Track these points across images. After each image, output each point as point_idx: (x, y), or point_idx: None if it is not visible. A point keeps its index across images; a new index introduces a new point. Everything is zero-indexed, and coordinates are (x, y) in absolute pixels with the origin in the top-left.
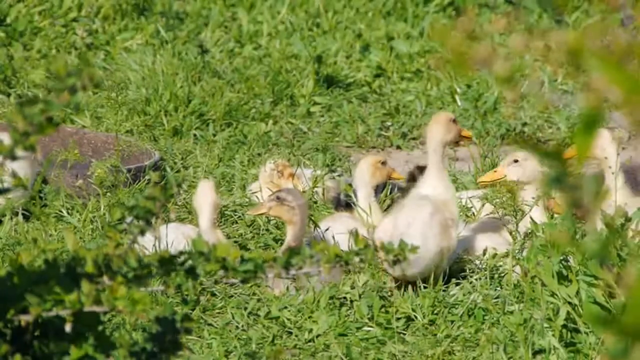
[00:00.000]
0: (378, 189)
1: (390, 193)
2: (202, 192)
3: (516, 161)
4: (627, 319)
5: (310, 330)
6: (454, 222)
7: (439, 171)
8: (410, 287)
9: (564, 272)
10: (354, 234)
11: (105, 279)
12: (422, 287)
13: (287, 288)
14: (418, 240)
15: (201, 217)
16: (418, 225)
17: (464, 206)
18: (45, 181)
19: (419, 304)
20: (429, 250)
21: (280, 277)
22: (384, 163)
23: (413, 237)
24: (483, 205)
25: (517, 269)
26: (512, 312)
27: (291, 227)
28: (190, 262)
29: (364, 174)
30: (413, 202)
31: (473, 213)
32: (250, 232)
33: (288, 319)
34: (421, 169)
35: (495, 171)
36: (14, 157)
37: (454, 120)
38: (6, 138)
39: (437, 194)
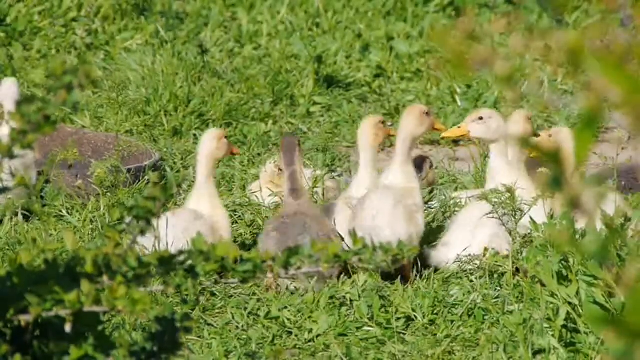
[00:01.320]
0: None
1: None
2: (202, 143)
3: (481, 118)
4: (627, 319)
5: (310, 330)
6: (419, 207)
7: (405, 161)
8: (410, 286)
9: (564, 272)
10: (353, 234)
11: (105, 278)
12: (421, 286)
13: (287, 287)
14: (386, 231)
15: (198, 168)
16: (384, 217)
17: (463, 206)
18: (45, 181)
19: (419, 304)
20: (398, 239)
21: (280, 277)
22: (383, 122)
23: (381, 229)
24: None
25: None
26: (512, 312)
27: None
28: (190, 261)
29: (366, 137)
30: (375, 195)
31: None
32: (250, 232)
33: (288, 319)
34: (423, 159)
35: (459, 127)
36: (12, 156)
37: (427, 113)
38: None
39: (399, 182)
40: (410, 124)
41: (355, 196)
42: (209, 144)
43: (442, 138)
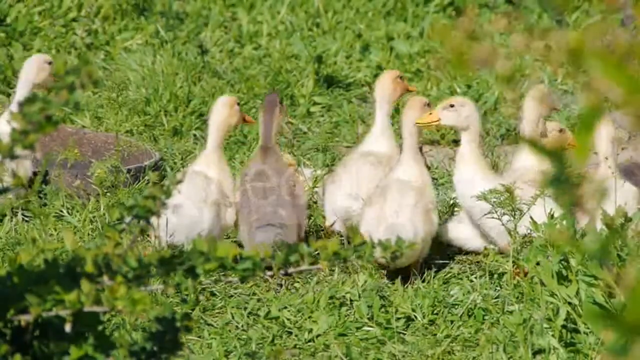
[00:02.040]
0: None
1: None
2: (214, 110)
3: (452, 106)
4: (627, 318)
5: (310, 330)
6: (433, 205)
7: (415, 155)
8: (410, 287)
9: (564, 272)
10: (352, 231)
11: (105, 279)
12: (421, 286)
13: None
14: (408, 229)
15: (209, 135)
16: (406, 215)
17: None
18: (45, 181)
19: (419, 304)
20: (417, 238)
21: (280, 275)
22: (401, 77)
23: (402, 226)
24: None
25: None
26: (511, 312)
27: None
28: (189, 261)
29: (385, 90)
30: (396, 190)
31: None
32: None
33: (288, 319)
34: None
35: (430, 114)
36: (13, 156)
37: (429, 104)
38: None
39: (415, 179)
40: (413, 116)
41: (375, 151)
42: (221, 111)
43: (416, 124)
